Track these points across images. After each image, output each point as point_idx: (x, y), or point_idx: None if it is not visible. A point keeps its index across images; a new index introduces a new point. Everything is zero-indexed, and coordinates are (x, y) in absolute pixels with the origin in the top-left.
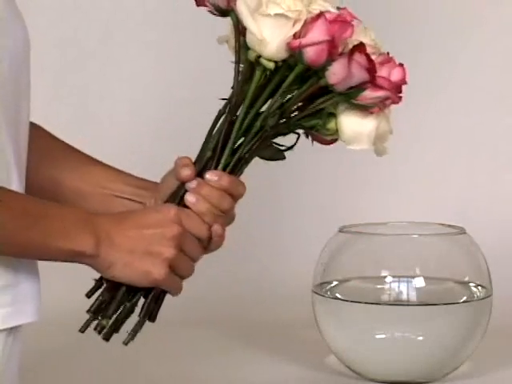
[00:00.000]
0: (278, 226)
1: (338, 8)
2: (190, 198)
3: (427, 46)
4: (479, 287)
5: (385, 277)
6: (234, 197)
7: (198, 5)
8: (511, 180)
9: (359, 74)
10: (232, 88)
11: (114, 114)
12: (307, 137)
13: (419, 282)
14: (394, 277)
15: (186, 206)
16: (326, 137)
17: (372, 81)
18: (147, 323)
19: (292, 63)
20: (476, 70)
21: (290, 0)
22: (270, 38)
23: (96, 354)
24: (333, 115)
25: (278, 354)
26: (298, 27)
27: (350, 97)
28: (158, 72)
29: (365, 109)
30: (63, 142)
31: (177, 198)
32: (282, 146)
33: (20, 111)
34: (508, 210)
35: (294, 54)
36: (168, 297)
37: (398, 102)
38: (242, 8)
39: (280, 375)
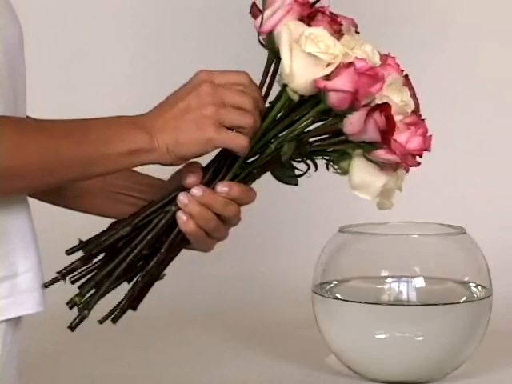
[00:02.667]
0: (278, 225)
1: (386, 55)
2: (182, 199)
3: (429, 48)
4: (479, 287)
5: (385, 277)
6: (243, 204)
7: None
8: (511, 180)
9: (372, 133)
10: None
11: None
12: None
13: (419, 282)
14: (393, 277)
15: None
16: (337, 172)
17: (385, 143)
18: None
19: (317, 100)
20: (476, 69)
21: (330, 41)
22: (299, 74)
23: (93, 353)
24: (348, 155)
25: (278, 354)
26: (328, 71)
27: (362, 149)
28: (151, 70)
29: (377, 165)
30: None
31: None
32: (298, 169)
33: (18, 102)
34: (508, 210)
35: (319, 93)
36: (167, 295)
37: (407, 171)
38: (284, 36)
39: (280, 375)
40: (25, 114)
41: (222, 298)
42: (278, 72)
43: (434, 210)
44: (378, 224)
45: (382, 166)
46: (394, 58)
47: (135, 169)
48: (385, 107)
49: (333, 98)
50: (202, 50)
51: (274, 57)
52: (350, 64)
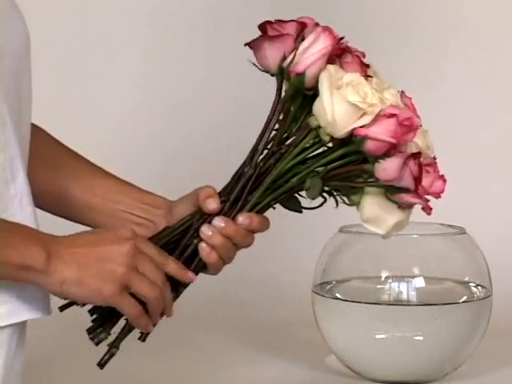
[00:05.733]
0: (279, 226)
1: (401, 94)
2: (205, 231)
3: (432, 51)
4: (479, 287)
5: (385, 277)
6: (259, 232)
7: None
8: (511, 180)
9: (407, 181)
10: (266, 131)
11: (111, 116)
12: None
13: (419, 282)
14: (393, 277)
15: (198, 236)
16: (344, 203)
17: (416, 189)
18: None
19: (347, 141)
20: (476, 70)
21: (368, 89)
22: (340, 122)
23: (95, 354)
24: (361, 189)
25: (278, 354)
26: (367, 120)
27: (387, 191)
28: (158, 75)
29: (395, 203)
30: (71, 149)
31: (191, 227)
32: (303, 197)
33: (22, 106)
34: (508, 211)
35: (353, 137)
36: None
37: (430, 214)
38: (325, 81)
39: (280, 375)
40: (30, 119)
41: (221, 297)
42: (314, 111)
43: (434, 210)
44: None
45: (402, 205)
46: (410, 98)
47: (135, 181)
48: (417, 155)
49: (370, 145)
50: (217, 54)
51: (295, 93)
52: (393, 115)
